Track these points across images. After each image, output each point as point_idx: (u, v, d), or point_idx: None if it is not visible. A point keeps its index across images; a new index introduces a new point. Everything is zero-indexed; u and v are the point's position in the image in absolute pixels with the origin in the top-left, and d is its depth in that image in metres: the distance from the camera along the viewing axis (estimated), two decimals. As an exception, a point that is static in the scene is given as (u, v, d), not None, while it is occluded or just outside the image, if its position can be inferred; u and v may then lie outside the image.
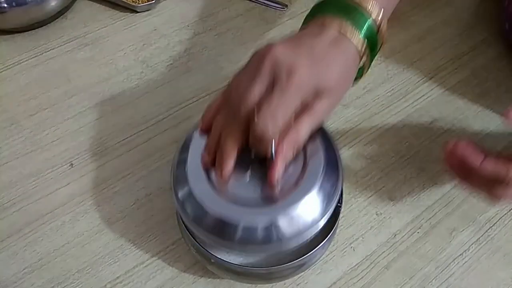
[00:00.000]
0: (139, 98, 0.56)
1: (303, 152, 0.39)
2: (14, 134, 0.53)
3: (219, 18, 0.65)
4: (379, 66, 0.60)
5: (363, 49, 0.40)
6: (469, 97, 0.58)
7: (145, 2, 0.64)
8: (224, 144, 0.37)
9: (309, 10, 0.43)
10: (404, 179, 0.51)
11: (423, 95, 0.58)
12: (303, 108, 0.37)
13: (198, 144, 0.39)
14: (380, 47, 0.43)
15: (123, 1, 0.64)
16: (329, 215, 0.38)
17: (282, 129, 0.36)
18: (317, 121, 0.38)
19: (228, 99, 0.39)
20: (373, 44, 0.41)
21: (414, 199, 0.50)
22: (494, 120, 0.56)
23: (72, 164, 0.51)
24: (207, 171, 0.38)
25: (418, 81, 0.59)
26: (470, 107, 0.57)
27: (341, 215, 0.48)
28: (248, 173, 0.38)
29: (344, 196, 0.49)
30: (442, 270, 0.46)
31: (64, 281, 0.44)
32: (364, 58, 0.41)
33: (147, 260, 0.45)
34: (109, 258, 0.45)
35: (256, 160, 0.38)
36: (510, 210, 0.49)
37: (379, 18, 0.40)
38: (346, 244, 0.47)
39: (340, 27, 0.38)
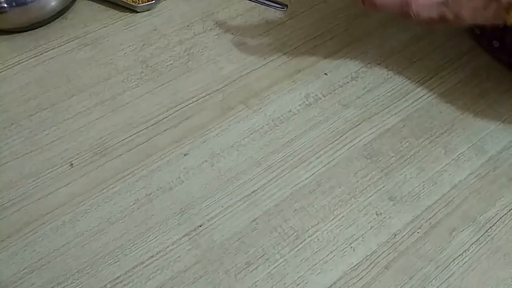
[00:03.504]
0: (139, 98, 0.56)
1: None
2: (14, 134, 0.53)
3: (219, 18, 0.65)
4: (379, 66, 0.60)
5: None
6: (469, 97, 0.58)
7: (145, 2, 0.64)
8: None
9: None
10: (404, 179, 0.51)
11: (423, 95, 0.58)
12: None
13: None
14: None
15: (123, 1, 0.64)
16: None
17: None
18: None
19: None
20: None
21: (414, 199, 0.50)
22: (494, 120, 0.56)
23: (72, 164, 0.51)
24: None
25: (418, 81, 0.59)
26: (470, 107, 0.57)
27: (341, 215, 0.48)
28: None
29: (344, 196, 0.49)
30: (442, 270, 0.46)
31: (64, 281, 0.44)
32: None
33: (147, 260, 0.45)
34: (109, 258, 0.45)
35: None
36: (510, 210, 0.49)
37: None
38: (346, 244, 0.47)
39: None
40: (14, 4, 0.57)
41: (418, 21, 0.48)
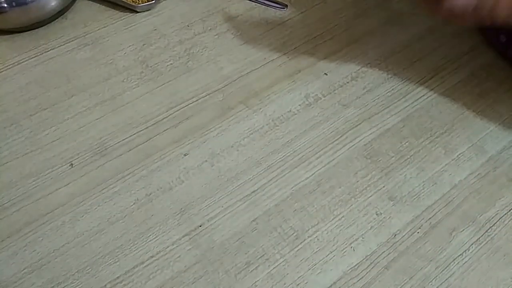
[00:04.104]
0: (139, 98, 0.56)
1: None
2: (14, 134, 0.53)
3: (219, 18, 0.65)
4: (379, 66, 0.60)
5: None
6: (469, 97, 0.58)
7: (145, 2, 0.64)
8: None
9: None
10: (404, 179, 0.51)
11: (423, 95, 0.58)
12: None
13: None
14: None
15: (123, 1, 0.64)
16: None
17: None
18: None
19: None
20: None
21: (414, 199, 0.50)
22: (494, 120, 0.56)
23: (72, 164, 0.51)
24: None
25: (418, 81, 0.59)
26: (470, 107, 0.57)
27: (341, 215, 0.48)
28: None
29: (344, 196, 0.49)
30: (442, 270, 0.46)
31: (64, 281, 0.44)
32: None
33: (147, 260, 0.45)
34: (109, 258, 0.45)
35: None
36: (510, 210, 0.49)
37: None
38: (346, 244, 0.47)
39: None
40: (14, 4, 0.57)
41: (447, 9, 0.45)
